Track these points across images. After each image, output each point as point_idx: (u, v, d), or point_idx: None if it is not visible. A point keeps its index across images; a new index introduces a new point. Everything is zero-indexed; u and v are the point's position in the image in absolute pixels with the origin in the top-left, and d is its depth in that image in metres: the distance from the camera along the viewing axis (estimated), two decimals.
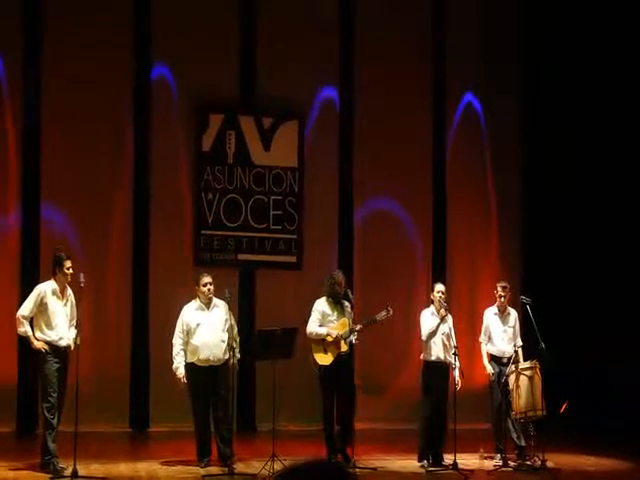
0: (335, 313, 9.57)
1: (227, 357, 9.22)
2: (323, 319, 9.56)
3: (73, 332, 8.96)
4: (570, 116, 13.33)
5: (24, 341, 9.41)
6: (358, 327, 9.46)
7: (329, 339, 9.44)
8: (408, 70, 13.47)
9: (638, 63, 12.92)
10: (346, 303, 9.66)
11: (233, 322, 9.44)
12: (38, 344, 8.78)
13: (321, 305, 9.64)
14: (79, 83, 12.10)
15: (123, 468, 9.22)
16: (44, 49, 12.13)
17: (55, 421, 8.74)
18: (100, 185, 12.20)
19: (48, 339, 8.80)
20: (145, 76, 12.51)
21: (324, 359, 9.47)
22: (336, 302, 9.59)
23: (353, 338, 9.46)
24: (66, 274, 8.86)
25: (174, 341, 9.37)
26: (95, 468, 9.02)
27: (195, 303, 9.45)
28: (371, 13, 13.35)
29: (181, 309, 9.50)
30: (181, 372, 9.26)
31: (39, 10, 12.16)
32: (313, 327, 9.54)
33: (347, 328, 9.44)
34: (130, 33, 12.49)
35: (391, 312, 9.58)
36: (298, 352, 9.52)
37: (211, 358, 9.24)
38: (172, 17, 12.63)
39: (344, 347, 9.42)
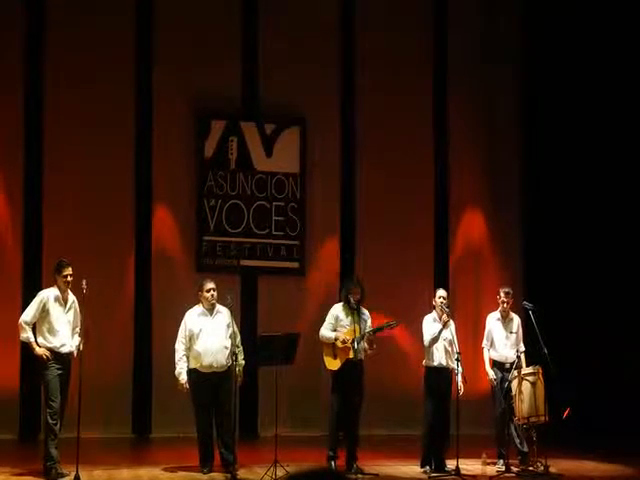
0: (349, 319, 9.54)
1: (230, 363, 9.21)
2: (336, 324, 9.56)
3: (77, 339, 8.97)
4: (571, 116, 13.31)
5: (26, 348, 9.41)
6: (364, 335, 9.42)
7: (338, 344, 9.44)
8: (411, 76, 13.49)
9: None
10: (365, 311, 9.65)
11: (236, 329, 9.43)
12: (40, 350, 8.78)
13: (336, 310, 9.65)
14: (80, 90, 12.14)
15: (125, 474, 9.21)
16: (45, 51, 12.17)
17: (57, 427, 8.74)
18: (102, 190, 12.22)
19: (50, 345, 8.79)
20: (147, 82, 12.53)
21: (332, 364, 9.47)
22: (352, 309, 9.59)
23: (358, 345, 9.41)
24: (64, 281, 8.86)
25: (176, 347, 9.36)
26: (97, 474, 9.02)
27: (198, 309, 9.44)
28: (373, 18, 13.37)
29: (184, 315, 9.50)
30: (183, 378, 9.26)
31: (40, 13, 12.18)
32: (324, 331, 9.56)
33: (355, 335, 9.43)
34: (132, 40, 12.52)
35: (397, 321, 9.55)
36: (300, 357, 9.52)
37: (214, 364, 9.23)
38: (174, 23, 12.67)
39: (351, 354, 9.41)
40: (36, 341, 8.83)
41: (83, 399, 8.54)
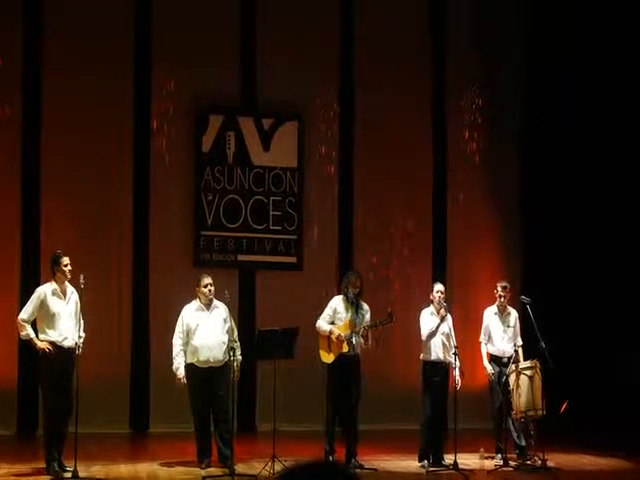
0: (348, 313, 9.54)
1: (227, 358, 9.21)
2: (334, 316, 9.57)
3: (82, 335, 8.90)
4: (571, 114, 13.30)
5: (25, 344, 9.38)
6: (360, 330, 9.43)
7: (332, 337, 9.45)
8: (408, 71, 13.47)
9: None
10: (364, 305, 9.65)
11: (233, 324, 9.45)
12: (42, 344, 8.68)
13: (335, 302, 9.66)
14: (79, 85, 12.11)
15: (123, 469, 9.22)
16: (43, 54, 12.15)
17: (55, 423, 8.70)
18: (100, 186, 12.21)
19: (51, 339, 8.70)
20: (145, 77, 12.51)
21: (326, 357, 9.50)
22: (352, 302, 9.58)
23: (354, 339, 9.42)
24: (64, 271, 8.76)
25: (174, 341, 9.38)
26: (96, 469, 9.02)
27: (195, 304, 9.45)
28: (371, 14, 13.35)
29: (181, 310, 9.50)
30: (181, 373, 9.27)
31: (40, 11, 12.16)
32: (321, 323, 9.58)
33: (352, 329, 9.43)
34: (130, 34, 12.51)
35: (393, 317, 9.51)
36: (299, 352, 9.53)
37: (211, 359, 9.24)
38: (172, 18, 12.64)
39: (345, 348, 9.41)
40: (37, 337, 8.76)
41: (81, 395, 8.53)
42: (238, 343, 9.33)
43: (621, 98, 12.89)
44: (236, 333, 9.44)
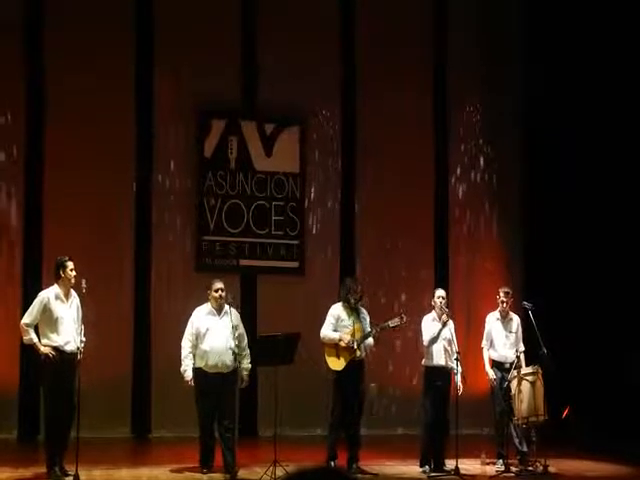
0: (351, 319, 9.54)
1: (235, 365, 9.17)
2: (337, 324, 9.55)
3: (83, 339, 8.89)
4: (573, 116, 13.26)
5: (26, 347, 9.38)
6: (373, 331, 9.45)
7: (342, 344, 9.44)
8: (411, 74, 13.49)
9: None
10: (363, 310, 9.66)
11: (243, 331, 9.41)
12: (45, 349, 8.67)
13: (336, 310, 9.65)
14: (81, 89, 12.12)
15: (125, 474, 9.22)
16: (44, 51, 12.17)
17: (57, 427, 8.69)
18: (102, 191, 12.21)
19: (54, 344, 8.69)
20: (147, 81, 12.53)
21: (336, 364, 9.47)
22: (352, 308, 9.59)
23: (364, 344, 9.43)
24: (69, 276, 8.76)
25: (183, 344, 9.32)
26: (97, 474, 9.02)
27: (206, 307, 9.41)
28: (372, 17, 13.38)
29: (183, 315, 9.48)
30: (189, 375, 9.22)
31: (40, 12, 12.18)
32: (326, 331, 9.55)
33: (361, 334, 9.43)
34: (132, 39, 12.53)
35: (405, 320, 9.55)
36: (300, 357, 9.52)
37: (219, 365, 9.19)
38: (174, 22, 12.66)
39: (358, 352, 9.42)
40: (40, 341, 8.74)
41: (82, 399, 8.53)
42: (248, 351, 9.31)
43: (623, 100, 12.88)
44: (246, 341, 9.39)
